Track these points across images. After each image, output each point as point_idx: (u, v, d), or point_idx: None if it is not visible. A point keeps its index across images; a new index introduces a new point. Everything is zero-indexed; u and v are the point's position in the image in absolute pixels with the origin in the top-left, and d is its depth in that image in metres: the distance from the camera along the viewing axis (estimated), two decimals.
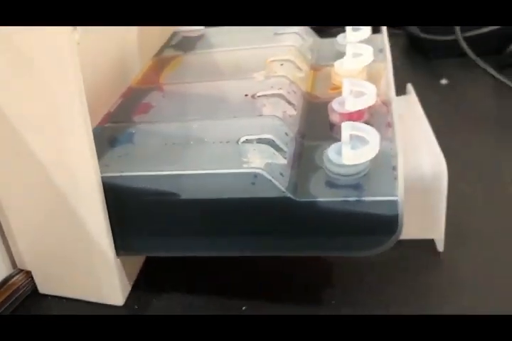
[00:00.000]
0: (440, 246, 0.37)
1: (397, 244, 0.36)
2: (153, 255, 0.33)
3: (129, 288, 0.35)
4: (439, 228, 0.37)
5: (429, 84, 0.58)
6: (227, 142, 0.30)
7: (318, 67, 0.41)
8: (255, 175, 0.28)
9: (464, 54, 0.57)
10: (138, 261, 0.37)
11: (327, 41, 0.44)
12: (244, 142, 0.30)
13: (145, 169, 0.30)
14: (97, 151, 0.29)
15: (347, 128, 0.30)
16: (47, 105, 0.28)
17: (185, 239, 0.31)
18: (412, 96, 0.43)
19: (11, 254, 0.35)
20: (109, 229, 0.31)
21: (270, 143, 0.30)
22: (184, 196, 0.29)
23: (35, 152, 0.29)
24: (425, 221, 0.37)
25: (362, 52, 0.38)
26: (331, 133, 0.33)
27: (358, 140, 0.29)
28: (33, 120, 0.29)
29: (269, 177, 0.28)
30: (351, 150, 0.28)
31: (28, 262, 0.35)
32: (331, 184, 0.29)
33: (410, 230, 0.32)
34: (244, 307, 0.34)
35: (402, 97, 0.43)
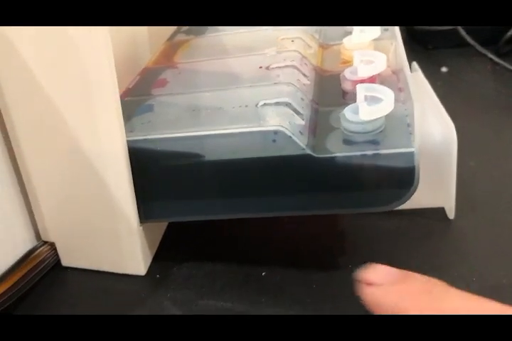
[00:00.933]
0: (451, 214, 0.38)
1: (407, 212, 0.38)
2: (177, 220, 0.34)
3: (150, 258, 0.36)
4: (450, 195, 0.38)
5: (429, 72, 0.59)
6: (246, 106, 0.31)
7: (326, 46, 0.42)
8: (276, 132, 0.29)
9: (461, 44, 0.59)
10: (159, 230, 0.38)
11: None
12: (262, 105, 0.31)
13: (167, 132, 0.31)
14: None
15: (362, 89, 0.31)
16: (78, 73, 0.29)
17: (207, 201, 0.32)
18: (418, 74, 0.44)
19: (36, 226, 0.36)
20: (134, 195, 0.32)
21: (288, 105, 0.31)
22: (206, 157, 0.30)
23: (62, 118, 0.31)
24: (436, 189, 0.38)
25: (369, 28, 0.39)
26: (343, 100, 0.34)
27: (372, 100, 0.31)
28: (64, 87, 0.30)
29: (289, 134, 0.29)
30: (368, 106, 0.29)
31: (52, 233, 0.36)
32: (349, 141, 0.30)
33: (421, 198, 0.33)
34: (263, 273, 0.35)
35: None
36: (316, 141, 0.31)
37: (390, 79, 0.36)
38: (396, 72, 0.36)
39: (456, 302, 0.22)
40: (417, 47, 0.65)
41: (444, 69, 0.59)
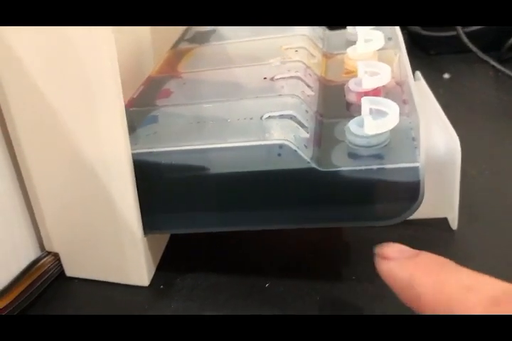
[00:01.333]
0: (454, 225, 0.38)
1: (410, 223, 0.38)
2: (181, 232, 0.34)
3: (154, 269, 0.36)
4: (453, 206, 0.38)
5: (432, 78, 0.59)
6: (251, 119, 0.31)
7: (330, 55, 0.42)
8: (281, 146, 0.29)
9: (464, 50, 0.59)
10: (162, 241, 0.38)
11: (337, 32, 0.46)
12: (267, 118, 0.31)
13: (172, 145, 0.31)
14: None
15: (366, 102, 0.31)
16: (82, 83, 0.29)
17: (211, 214, 0.32)
18: (421, 83, 0.44)
19: (40, 236, 0.36)
20: (138, 207, 0.32)
21: (292, 118, 0.31)
22: (210, 170, 0.30)
23: (67, 129, 0.31)
24: (439, 199, 0.38)
25: (373, 38, 0.39)
26: (348, 112, 0.34)
27: (377, 113, 0.31)
28: (68, 98, 0.30)
29: (294, 148, 0.29)
30: (373, 121, 0.29)
31: (56, 244, 0.36)
32: (353, 155, 0.30)
33: (424, 209, 0.33)
34: (267, 284, 0.35)
35: None
36: (320, 154, 0.31)
37: (394, 90, 0.36)
38: (400, 84, 0.36)
39: (466, 277, 0.24)
40: (419, 53, 0.65)
41: (446, 75, 0.60)
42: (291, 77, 0.36)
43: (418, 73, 0.45)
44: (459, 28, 0.59)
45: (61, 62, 0.29)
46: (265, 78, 0.36)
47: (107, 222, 0.33)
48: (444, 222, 0.39)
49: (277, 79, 0.36)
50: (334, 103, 0.36)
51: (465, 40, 0.58)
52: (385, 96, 0.34)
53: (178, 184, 0.31)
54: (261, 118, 0.31)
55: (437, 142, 0.37)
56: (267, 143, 0.29)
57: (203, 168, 0.30)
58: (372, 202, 0.30)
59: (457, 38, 0.59)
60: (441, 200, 0.38)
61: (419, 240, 0.38)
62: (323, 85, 0.38)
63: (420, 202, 0.29)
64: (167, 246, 0.38)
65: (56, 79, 0.30)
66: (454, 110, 0.52)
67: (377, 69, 0.35)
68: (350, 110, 0.35)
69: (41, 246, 0.36)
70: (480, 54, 0.57)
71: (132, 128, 0.33)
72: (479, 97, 0.56)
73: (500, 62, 0.58)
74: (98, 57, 0.29)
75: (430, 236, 0.38)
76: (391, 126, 0.29)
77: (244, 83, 0.36)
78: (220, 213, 0.32)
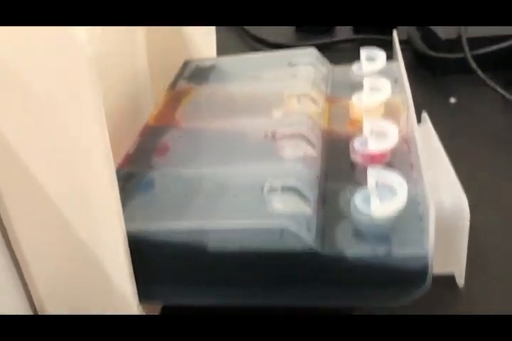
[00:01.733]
0: (460, 281, 0.37)
1: None
2: (177, 303, 0.33)
3: None
4: (460, 263, 0.37)
5: (437, 103, 0.58)
6: (251, 189, 0.30)
7: (334, 99, 0.40)
8: (282, 230, 0.28)
9: (471, 70, 0.57)
10: (156, 308, 0.37)
11: (341, 70, 0.44)
12: (268, 190, 0.30)
13: (169, 223, 0.29)
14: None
15: (373, 175, 0.30)
16: (68, 150, 0.27)
17: (208, 288, 0.31)
18: (427, 126, 0.43)
19: (31, 299, 0.35)
20: (133, 280, 0.31)
21: (294, 189, 0.30)
22: (208, 248, 0.29)
23: (57, 200, 0.29)
24: (445, 256, 0.37)
25: (379, 86, 0.37)
26: (353, 173, 0.33)
27: (384, 187, 0.29)
28: (53, 165, 0.28)
29: (296, 232, 0.28)
30: (380, 203, 0.28)
31: (48, 308, 0.34)
32: (358, 234, 0.29)
33: None
34: None
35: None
36: (324, 226, 0.29)
37: (401, 148, 0.34)
38: (407, 140, 0.35)
39: None
40: (425, 72, 0.63)
41: (452, 100, 0.58)
42: (293, 135, 0.34)
43: (425, 115, 0.44)
44: (467, 50, 0.57)
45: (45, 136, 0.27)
46: (266, 137, 0.34)
47: (101, 293, 0.32)
48: (450, 277, 0.38)
49: (279, 137, 0.34)
50: (339, 161, 0.34)
51: (473, 65, 0.56)
52: (392, 157, 0.33)
53: (174, 259, 0.30)
54: (262, 189, 0.30)
55: (444, 202, 0.35)
56: (267, 227, 0.28)
57: (199, 246, 0.29)
58: (376, 285, 0.29)
59: (464, 59, 0.57)
60: (448, 258, 0.37)
61: (424, 297, 0.36)
62: (326, 139, 0.36)
63: (429, 285, 0.28)
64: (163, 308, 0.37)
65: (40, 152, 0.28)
66: (460, 142, 0.51)
67: (384, 129, 0.34)
68: (356, 171, 0.33)
69: (34, 310, 0.35)
70: (488, 81, 0.55)
71: (128, 195, 0.31)
72: (487, 126, 0.54)
73: (509, 83, 0.56)
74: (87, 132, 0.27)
75: (436, 293, 0.37)
76: (399, 208, 0.28)
77: (243, 140, 0.35)
78: (217, 288, 0.31)
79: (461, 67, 0.58)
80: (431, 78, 0.62)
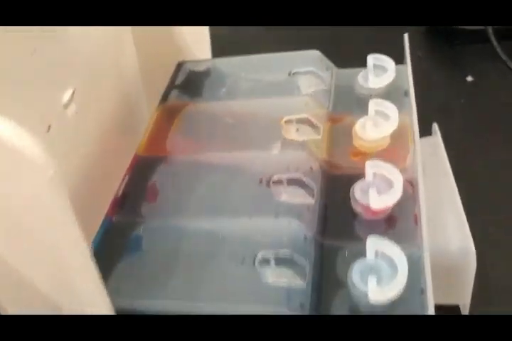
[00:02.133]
0: (465, 311, 0.36)
1: None
2: None
3: None
4: (465, 295, 0.36)
5: (454, 82, 0.54)
6: (243, 260, 0.29)
7: (337, 118, 0.37)
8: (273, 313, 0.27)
9: (487, 40, 0.53)
10: None
11: (346, 76, 0.40)
12: (260, 262, 0.28)
13: (157, 303, 0.29)
14: (106, 260, 0.28)
15: (372, 244, 0.28)
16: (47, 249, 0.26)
17: None
18: (436, 139, 0.40)
19: None
20: None
21: (288, 258, 0.29)
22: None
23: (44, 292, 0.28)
24: (451, 289, 0.36)
25: (386, 113, 0.34)
26: (353, 225, 0.31)
27: (383, 259, 0.28)
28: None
29: (288, 313, 0.27)
30: (378, 288, 0.26)
31: None
32: (355, 311, 0.27)
33: (435, 296, 0.30)
34: None
35: (426, 139, 0.40)
36: (320, 296, 0.28)
37: (405, 191, 0.32)
38: (412, 182, 0.32)
39: None
40: (443, 45, 0.58)
41: (469, 78, 0.54)
42: (290, 181, 0.32)
43: (435, 126, 0.41)
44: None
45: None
46: (261, 181, 0.32)
47: None
48: (455, 308, 0.37)
49: (275, 181, 0.32)
50: (339, 209, 0.32)
51: (494, 43, 0.52)
52: (396, 207, 0.31)
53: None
54: (254, 261, 0.28)
55: (450, 242, 0.34)
56: (258, 311, 0.27)
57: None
58: None
59: (484, 31, 0.53)
60: (454, 291, 0.36)
61: None
62: (327, 174, 0.34)
63: None
64: None
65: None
66: (474, 133, 0.48)
67: (387, 172, 0.31)
68: (356, 221, 0.31)
69: None
70: (501, 54, 0.51)
71: (114, 256, 0.30)
72: (504, 109, 0.51)
73: None
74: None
75: None
76: (398, 291, 0.26)
77: (238, 187, 0.33)
78: None
79: (478, 37, 0.54)
80: (448, 51, 0.58)
